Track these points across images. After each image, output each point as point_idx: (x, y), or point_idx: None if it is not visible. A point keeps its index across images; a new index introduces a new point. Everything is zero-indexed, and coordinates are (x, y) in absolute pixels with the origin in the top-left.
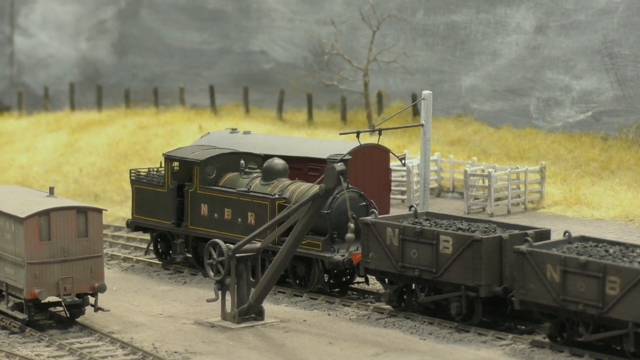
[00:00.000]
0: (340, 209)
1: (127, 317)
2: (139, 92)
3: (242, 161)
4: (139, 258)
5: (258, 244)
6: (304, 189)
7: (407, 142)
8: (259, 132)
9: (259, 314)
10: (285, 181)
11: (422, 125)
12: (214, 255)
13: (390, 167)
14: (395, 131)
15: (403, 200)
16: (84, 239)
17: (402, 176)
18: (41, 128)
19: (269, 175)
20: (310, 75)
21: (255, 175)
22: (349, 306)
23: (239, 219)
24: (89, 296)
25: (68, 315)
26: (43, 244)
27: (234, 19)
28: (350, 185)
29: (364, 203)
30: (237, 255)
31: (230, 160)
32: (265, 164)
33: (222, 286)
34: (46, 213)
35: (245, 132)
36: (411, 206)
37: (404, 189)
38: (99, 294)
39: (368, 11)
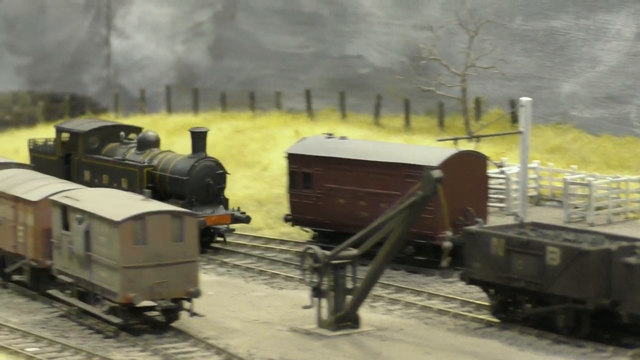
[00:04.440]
0: (198, 175)
1: (222, 323)
2: (235, 95)
3: (122, 133)
4: (235, 263)
5: (354, 251)
6: (170, 157)
7: (505, 149)
8: (356, 138)
9: (355, 322)
10: (156, 151)
11: (520, 132)
12: (310, 262)
13: (488, 174)
14: (493, 138)
15: (501, 209)
16: (179, 243)
17: (500, 184)
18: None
19: (143, 145)
20: (407, 81)
21: (132, 145)
22: (446, 315)
23: (114, 184)
24: (184, 301)
25: (163, 320)
26: (138, 248)
27: (331, 23)
28: (206, 155)
29: (221, 171)
30: (333, 262)
31: (112, 132)
32: (139, 135)
33: (318, 293)
34: (141, 217)
35: (342, 138)
36: (516, 216)
37: (502, 196)
38: (194, 299)
39: (465, 16)
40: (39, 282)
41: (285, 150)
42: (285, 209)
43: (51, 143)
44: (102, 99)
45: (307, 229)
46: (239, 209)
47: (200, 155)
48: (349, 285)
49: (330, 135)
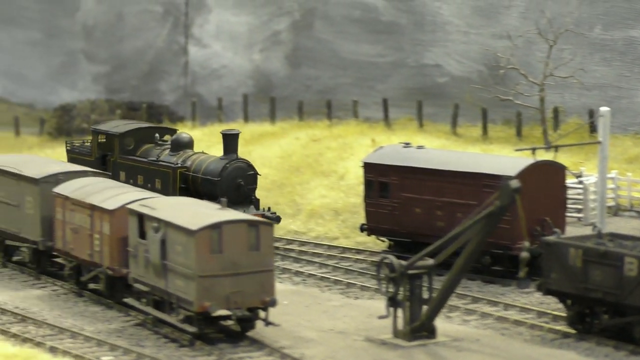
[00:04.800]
0: (230, 176)
1: (297, 332)
2: (312, 104)
3: (157, 134)
4: (310, 272)
5: (431, 261)
6: (203, 159)
7: (583, 159)
8: (433, 147)
9: (431, 332)
10: (189, 152)
11: (599, 142)
12: (386, 272)
13: (566, 184)
14: (571, 148)
15: (579, 219)
16: (255, 252)
17: (578, 194)
18: (214, 139)
19: (177, 146)
20: (485, 90)
21: (166, 146)
22: (523, 326)
23: (149, 185)
24: (260, 310)
25: (239, 329)
26: (214, 257)
27: (409, 32)
28: (237, 156)
29: (252, 172)
30: (409, 272)
31: (147, 134)
32: (173, 137)
33: (394, 303)
34: (218, 226)
35: (419, 147)
36: (594, 226)
37: (579, 207)
38: (270, 308)
39: (545, 25)
40: (114, 291)
41: (361, 159)
42: (361, 218)
43: (88, 144)
44: (179, 107)
45: (383, 239)
46: (269, 209)
47: (231, 156)
48: (425, 295)
49: (407, 145)
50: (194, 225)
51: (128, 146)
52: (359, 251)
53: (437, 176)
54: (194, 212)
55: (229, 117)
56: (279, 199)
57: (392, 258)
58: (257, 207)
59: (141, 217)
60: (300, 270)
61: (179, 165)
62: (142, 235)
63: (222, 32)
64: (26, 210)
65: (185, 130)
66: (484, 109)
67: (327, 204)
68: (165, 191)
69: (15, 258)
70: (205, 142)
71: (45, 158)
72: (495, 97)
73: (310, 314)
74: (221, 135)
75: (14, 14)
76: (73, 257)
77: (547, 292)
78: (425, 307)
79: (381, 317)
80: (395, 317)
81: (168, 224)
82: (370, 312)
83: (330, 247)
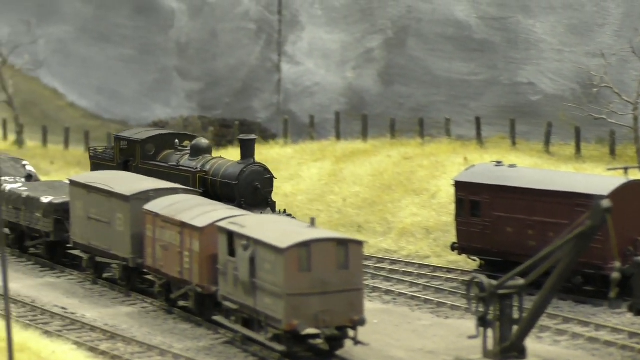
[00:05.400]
0: (247, 180)
1: (386, 352)
2: (405, 122)
3: (177, 140)
4: (401, 291)
5: (521, 281)
6: (221, 163)
7: None
8: (525, 165)
9: (522, 353)
10: (208, 157)
11: None
12: (477, 291)
13: None
14: None
15: None
16: (344, 271)
17: None
18: (306, 156)
19: (196, 151)
20: (579, 108)
21: (185, 152)
22: (614, 346)
23: None
24: (349, 329)
25: (327, 348)
26: (303, 275)
27: (502, 50)
28: (254, 160)
29: (269, 176)
30: (499, 291)
31: (167, 140)
32: (192, 143)
33: (484, 323)
34: (307, 244)
35: (511, 166)
36: None
37: None
38: (359, 327)
39: (639, 44)
40: (204, 308)
41: (453, 177)
42: (452, 237)
43: (110, 150)
44: (272, 125)
45: (474, 258)
46: (285, 211)
47: (249, 161)
48: (516, 315)
49: (499, 163)
50: (283, 243)
51: (149, 152)
52: (449, 270)
53: (529, 195)
54: (283, 230)
55: (320, 134)
56: (370, 217)
57: (482, 277)
58: (274, 210)
59: (231, 235)
60: (391, 289)
61: (199, 169)
62: (232, 252)
63: (315, 49)
64: (117, 227)
65: (277, 148)
66: (577, 127)
67: (418, 223)
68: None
69: (105, 275)
70: (297, 160)
71: (136, 175)
72: (589, 115)
73: (399, 333)
74: (239, 141)
75: (109, 31)
76: (163, 274)
77: (639, 312)
78: (515, 327)
79: (471, 337)
80: (485, 337)
81: (257, 242)
82: (460, 331)
83: (421, 265)
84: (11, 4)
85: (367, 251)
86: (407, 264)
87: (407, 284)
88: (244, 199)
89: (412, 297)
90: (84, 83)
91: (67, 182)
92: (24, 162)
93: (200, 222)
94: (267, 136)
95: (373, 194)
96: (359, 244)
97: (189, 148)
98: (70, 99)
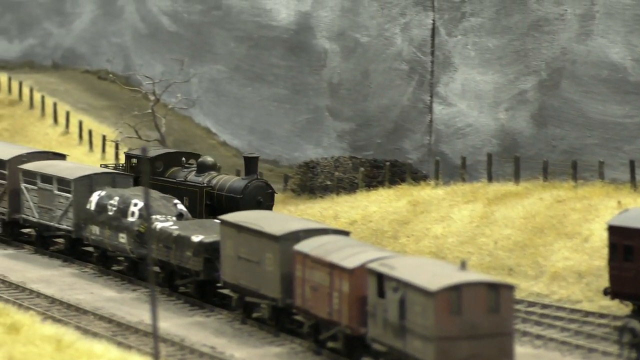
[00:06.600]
0: (251, 194)
1: None
2: (557, 164)
3: (183, 158)
4: (552, 336)
5: None
6: (226, 179)
7: None
8: None
9: None
10: (213, 173)
11: None
12: (629, 337)
13: None
14: None
15: None
16: (495, 315)
17: None
18: (457, 198)
19: (202, 168)
20: None
21: (192, 169)
22: None
23: None
24: None
25: None
26: (453, 318)
27: None
28: (257, 176)
29: (270, 190)
30: None
31: (175, 158)
32: (198, 160)
33: None
34: (457, 287)
35: None
36: None
37: None
38: None
39: None
40: (352, 350)
41: (606, 221)
42: (605, 281)
43: (121, 167)
44: (423, 165)
45: (627, 303)
46: None
47: (252, 177)
48: None
49: None
50: (433, 286)
51: (158, 169)
52: (601, 315)
53: None
54: (434, 273)
55: (472, 176)
56: (521, 260)
57: (635, 323)
58: None
59: (380, 277)
60: (541, 333)
61: (205, 184)
62: (381, 294)
63: (468, 90)
64: (266, 267)
65: (428, 190)
66: None
67: (570, 267)
68: (193, 207)
69: (254, 314)
70: (448, 201)
71: (286, 215)
72: None
73: None
74: (243, 158)
75: (262, 71)
76: (312, 314)
77: None
78: None
79: None
80: None
81: (407, 284)
82: None
83: (572, 310)
84: (165, 43)
85: (517, 295)
86: (559, 308)
87: (558, 328)
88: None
89: (563, 343)
90: (236, 122)
91: (218, 221)
92: (175, 201)
93: (350, 263)
94: (418, 177)
95: (524, 237)
96: (510, 288)
97: (195, 165)
98: (222, 138)
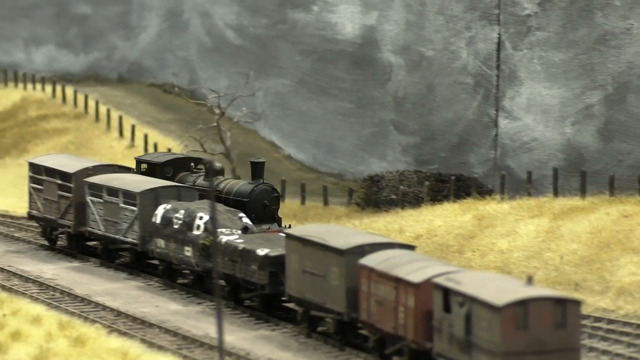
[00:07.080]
0: (257, 197)
1: None
2: (624, 179)
3: (192, 163)
4: (618, 351)
5: None
6: (233, 183)
7: None
8: None
9: None
10: (221, 178)
11: None
12: None
13: None
14: None
15: None
16: (561, 330)
17: None
18: (523, 213)
19: (210, 173)
20: None
21: (200, 174)
22: None
23: None
24: None
25: None
26: (519, 333)
27: None
28: (263, 180)
29: (276, 194)
30: None
31: (184, 163)
32: (207, 165)
33: None
34: (524, 302)
35: None
36: None
37: None
38: None
39: None
40: None
41: None
42: None
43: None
44: (488, 180)
45: None
46: (290, 226)
47: (258, 181)
48: None
49: None
50: (500, 301)
51: (167, 173)
52: None
53: None
54: (500, 288)
55: (538, 190)
56: (587, 275)
57: None
58: (280, 224)
59: (446, 291)
60: (608, 349)
61: (213, 188)
62: (447, 309)
63: (534, 104)
64: (331, 281)
65: (493, 204)
66: None
67: (637, 282)
68: None
69: (320, 328)
70: (514, 216)
71: (351, 229)
72: None
73: None
74: (250, 162)
75: (327, 84)
76: (377, 329)
77: None
78: None
79: None
80: None
81: (473, 299)
82: None
83: (639, 326)
84: (231, 57)
85: (584, 310)
86: (625, 324)
87: (625, 344)
88: (254, 215)
89: (630, 358)
90: (301, 136)
91: (283, 235)
92: (241, 215)
93: (415, 277)
94: (484, 192)
95: (591, 252)
96: (577, 303)
97: (203, 170)
98: (287, 151)
